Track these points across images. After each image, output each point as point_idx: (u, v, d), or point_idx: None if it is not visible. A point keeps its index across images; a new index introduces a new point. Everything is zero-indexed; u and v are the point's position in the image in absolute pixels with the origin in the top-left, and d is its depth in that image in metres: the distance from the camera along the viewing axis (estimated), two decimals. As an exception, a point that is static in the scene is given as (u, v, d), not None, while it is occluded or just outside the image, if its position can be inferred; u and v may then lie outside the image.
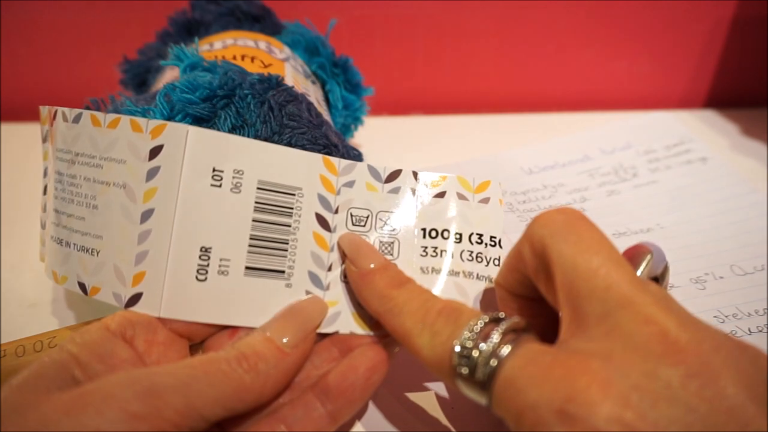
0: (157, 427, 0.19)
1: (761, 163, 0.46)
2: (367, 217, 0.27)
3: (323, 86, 0.38)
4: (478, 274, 0.27)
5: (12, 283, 0.35)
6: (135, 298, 0.24)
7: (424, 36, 0.53)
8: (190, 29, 0.40)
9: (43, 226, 0.29)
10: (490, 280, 0.27)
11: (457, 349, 0.20)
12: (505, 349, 0.19)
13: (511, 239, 0.24)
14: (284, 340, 0.23)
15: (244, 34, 0.37)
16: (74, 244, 0.26)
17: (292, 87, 0.31)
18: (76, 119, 0.26)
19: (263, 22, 0.40)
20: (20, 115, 0.52)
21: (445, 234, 0.27)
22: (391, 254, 0.27)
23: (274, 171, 0.26)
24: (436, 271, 0.27)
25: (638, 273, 0.21)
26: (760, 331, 0.31)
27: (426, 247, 0.27)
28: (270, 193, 0.26)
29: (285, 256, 0.26)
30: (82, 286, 0.25)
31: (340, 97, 0.38)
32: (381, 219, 0.27)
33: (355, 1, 0.51)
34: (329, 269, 0.26)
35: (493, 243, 0.28)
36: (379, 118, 0.49)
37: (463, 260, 0.27)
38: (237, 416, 0.22)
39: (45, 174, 0.29)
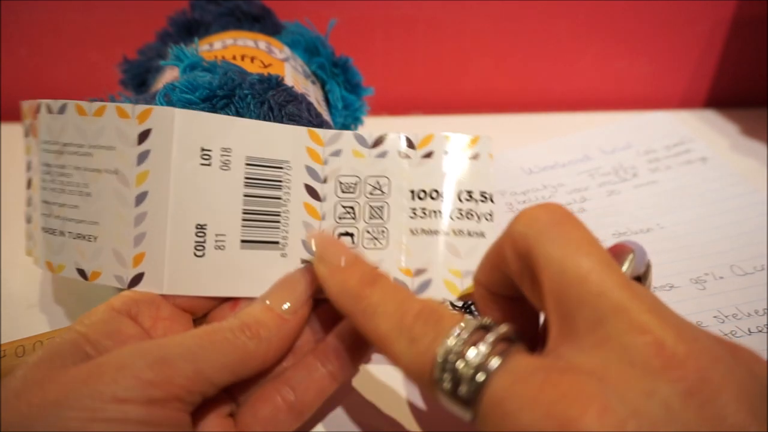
0: (170, 393, 0.20)
1: (761, 163, 0.46)
2: (356, 184, 0.27)
3: (323, 86, 0.38)
4: (469, 231, 0.27)
5: (12, 283, 0.35)
6: (137, 278, 0.25)
7: (424, 36, 0.53)
8: (190, 29, 0.40)
9: (28, 221, 0.29)
10: (483, 236, 0.27)
11: (440, 360, 0.18)
12: (494, 362, 0.17)
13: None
14: (284, 308, 0.24)
15: (244, 34, 0.37)
16: (69, 233, 0.26)
17: (292, 87, 0.31)
18: (62, 110, 0.26)
19: (263, 22, 0.40)
20: (20, 115, 0.52)
21: (434, 194, 0.27)
22: (381, 218, 0.27)
23: (260, 146, 0.26)
24: (426, 232, 0.27)
25: None
26: (760, 331, 0.31)
27: (415, 209, 0.27)
28: (258, 168, 0.26)
29: (278, 228, 0.26)
30: (81, 272, 0.26)
31: (340, 97, 0.38)
32: (369, 184, 0.27)
33: (355, 1, 0.51)
34: None
35: (484, 198, 0.27)
36: (379, 118, 0.49)
37: (453, 219, 0.27)
38: (245, 381, 0.24)
39: (28, 168, 0.29)
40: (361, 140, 0.28)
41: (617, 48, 0.55)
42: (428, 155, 0.28)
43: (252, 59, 0.34)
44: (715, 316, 0.32)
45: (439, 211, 0.27)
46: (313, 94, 0.35)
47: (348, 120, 0.39)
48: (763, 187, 0.42)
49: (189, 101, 0.28)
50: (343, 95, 0.38)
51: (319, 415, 0.27)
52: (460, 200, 0.27)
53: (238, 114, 0.29)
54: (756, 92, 0.56)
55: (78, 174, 0.26)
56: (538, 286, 0.19)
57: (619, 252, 0.21)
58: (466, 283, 0.26)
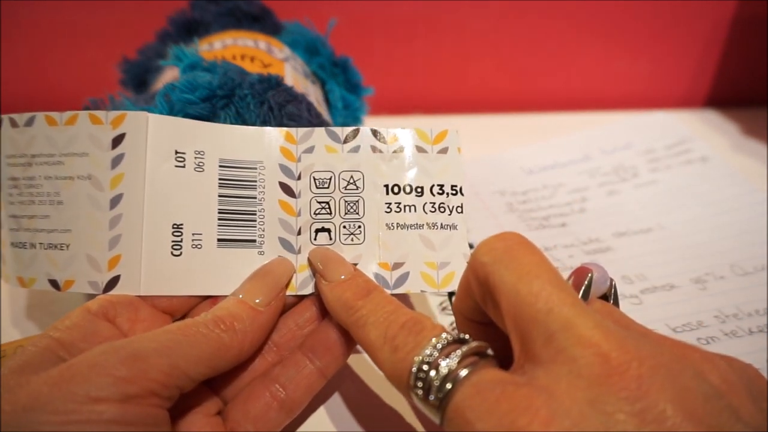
0: (145, 388, 0.20)
1: (761, 163, 0.46)
2: (330, 179, 0.28)
3: (323, 86, 0.38)
4: (442, 224, 0.28)
5: (12, 283, 0.35)
6: (113, 282, 0.25)
7: (424, 36, 0.53)
8: (190, 29, 0.40)
9: None
10: (455, 228, 0.28)
11: (414, 368, 0.20)
12: (462, 373, 0.19)
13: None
14: (257, 300, 0.25)
15: (244, 33, 0.37)
16: (40, 244, 0.26)
17: (292, 87, 0.31)
18: (29, 123, 0.26)
19: (263, 22, 0.40)
20: (20, 115, 0.52)
21: (407, 188, 0.28)
22: (357, 213, 0.27)
23: (233, 149, 0.27)
24: (401, 226, 0.27)
25: (580, 294, 0.22)
26: (761, 331, 0.31)
27: (390, 203, 0.27)
28: (232, 169, 0.27)
29: (254, 226, 0.27)
30: (53, 282, 0.26)
31: (340, 97, 0.38)
32: (344, 179, 0.28)
33: (355, 1, 0.51)
34: (299, 233, 0.27)
35: (454, 192, 0.28)
36: (379, 118, 0.49)
37: (426, 212, 0.28)
38: (231, 379, 0.24)
39: None
40: (333, 136, 0.28)
41: (617, 48, 0.55)
42: (399, 150, 0.28)
43: (252, 59, 0.34)
44: (715, 316, 0.32)
45: (413, 205, 0.28)
46: (313, 94, 0.35)
47: (348, 120, 0.39)
48: (763, 186, 0.42)
49: (189, 101, 0.28)
50: (343, 95, 0.38)
51: (307, 412, 0.27)
52: (432, 194, 0.28)
53: (239, 114, 0.29)
54: (756, 92, 0.56)
55: (48, 183, 0.26)
56: (498, 309, 0.20)
57: (579, 274, 0.23)
58: (442, 275, 0.27)
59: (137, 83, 0.40)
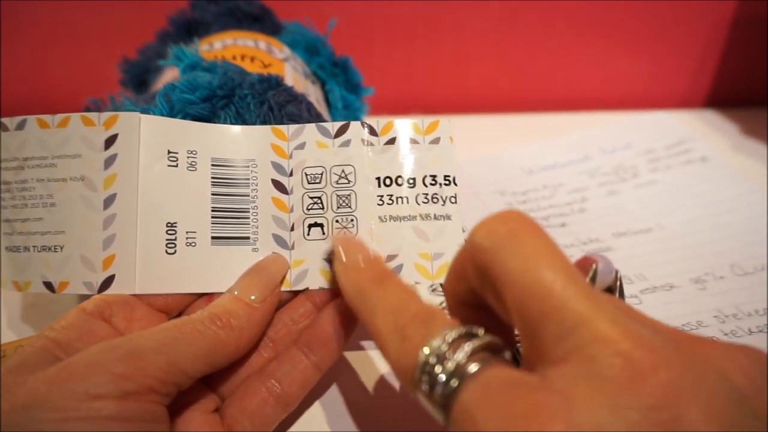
0: (143, 385, 0.20)
1: (761, 163, 0.46)
2: (321, 174, 0.28)
3: (323, 86, 0.38)
4: (435, 215, 0.27)
5: (12, 283, 0.35)
6: (108, 282, 0.25)
7: (424, 36, 0.53)
8: (190, 29, 0.40)
9: None
10: (449, 218, 0.28)
11: (421, 361, 0.18)
12: (472, 368, 0.17)
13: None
14: (252, 297, 0.25)
15: (244, 33, 0.37)
16: (34, 247, 0.26)
17: (292, 87, 0.31)
18: (20, 126, 0.26)
19: (263, 22, 0.40)
20: (20, 115, 0.52)
21: (399, 180, 0.28)
22: (349, 206, 0.27)
23: (225, 148, 0.27)
24: (394, 218, 0.27)
25: None
26: (760, 331, 0.31)
27: (382, 196, 0.27)
28: (224, 168, 0.27)
29: (248, 223, 0.27)
30: (48, 284, 0.26)
31: (340, 97, 0.38)
32: (335, 173, 0.28)
33: (355, 1, 0.51)
34: (292, 229, 0.27)
35: (447, 182, 0.28)
36: (379, 118, 0.49)
37: (419, 204, 0.28)
38: (227, 375, 0.24)
39: None
40: (323, 131, 0.28)
41: (617, 48, 0.55)
42: (391, 141, 0.28)
43: (252, 59, 0.34)
44: (715, 316, 0.32)
45: (405, 197, 0.28)
46: (313, 94, 0.35)
47: (348, 120, 0.39)
48: (763, 187, 0.42)
49: (189, 101, 0.28)
50: (343, 95, 0.38)
51: (302, 407, 0.27)
52: (425, 185, 0.28)
53: (239, 114, 0.29)
54: (756, 92, 0.56)
55: (41, 186, 0.26)
56: (501, 298, 0.18)
57: (583, 265, 0.21)
58: (436, 266, 0.27)
59: (137, 83, 0.40)
